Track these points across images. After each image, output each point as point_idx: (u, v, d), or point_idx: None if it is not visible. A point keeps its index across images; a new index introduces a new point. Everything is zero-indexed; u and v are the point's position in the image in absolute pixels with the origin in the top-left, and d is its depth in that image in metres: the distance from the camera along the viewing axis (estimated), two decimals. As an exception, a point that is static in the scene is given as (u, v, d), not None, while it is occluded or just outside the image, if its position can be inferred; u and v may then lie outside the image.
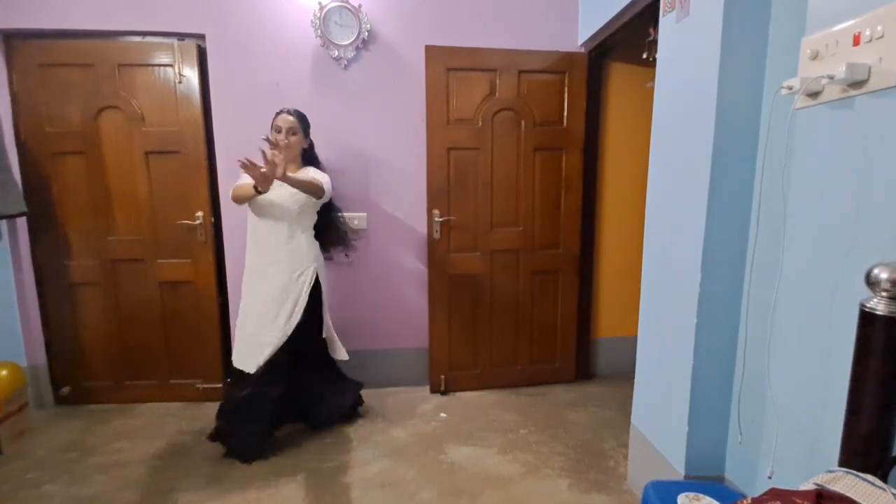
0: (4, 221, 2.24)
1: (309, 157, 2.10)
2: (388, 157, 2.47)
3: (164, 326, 2.45)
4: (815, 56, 1.07)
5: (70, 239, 2.36)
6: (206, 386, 2.48)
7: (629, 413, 1.83)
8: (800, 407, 1.16)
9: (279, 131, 1.96)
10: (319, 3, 2.27)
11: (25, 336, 2.33)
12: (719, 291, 1.39)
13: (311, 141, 2.09)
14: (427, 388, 2.58)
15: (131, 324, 2.44)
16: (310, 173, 1.99)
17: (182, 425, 2.25)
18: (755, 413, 1.33)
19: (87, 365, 2.44)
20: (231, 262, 2.45)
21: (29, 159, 2.28)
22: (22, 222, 2.31)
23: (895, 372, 0.83)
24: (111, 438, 2.12)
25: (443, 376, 2.55)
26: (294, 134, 1.98)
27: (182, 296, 2.44)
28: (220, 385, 2.49)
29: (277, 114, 2.00)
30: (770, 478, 1.24)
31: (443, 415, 2.34)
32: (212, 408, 2.41)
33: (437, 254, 2.48)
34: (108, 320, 2.42)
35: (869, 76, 0.96)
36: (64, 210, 2.34)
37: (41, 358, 2.40)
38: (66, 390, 2.42)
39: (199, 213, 2.37)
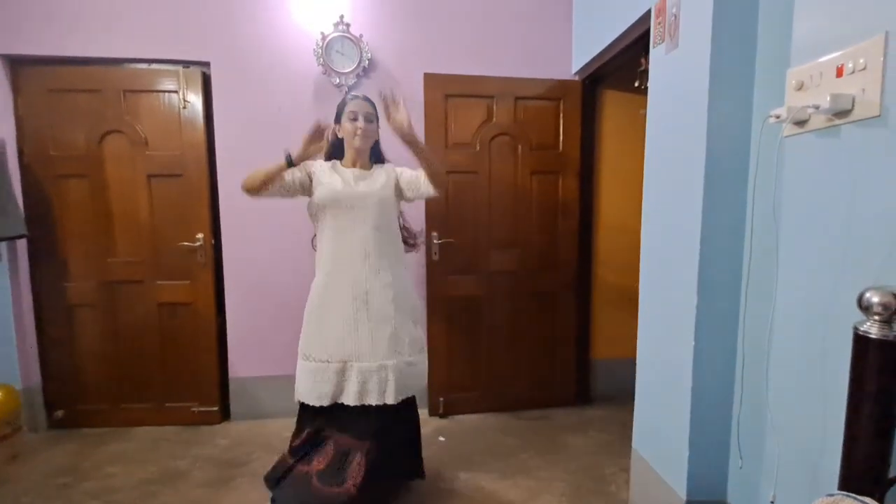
0: (4, 243, 2.24)
1: (377, 153, 1.81)
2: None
3: (161, 348, 2.44)
4: (800, 87, 1.12)
5: (70, 261, 2.37)
6: (201, 409, 2.45)
7: (630, 436, 1.81)
8: (799, 429, 1.16)
9: (354, 118, 1.66)
10: (322, 33, 2.34)
11: (21, 358, 2.31)
12: (716, 314, 1.41)
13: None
14: (426, 410, 2.55)
15: (128, 346, 2.42)
16: (406, 170, 1.71)
17: (176, 449, 2.21)
18: (756, 436, 1.33)
19: (81, 388, 2.41)
20: (230, 283, 2.45)
21: (32, 182, 2.31)
22: (22, 244, 2.32)
23: (891, 394, 0.84)
24: (104, 463, 2.09)
25: (442, 399, 2.53)
26: (371, 122, 1.68)
27: (180, 317, 2.43)
28: (215, 408, 2.46)
29: (350, 99, 1.71)
30: (773, 502, 1.23)
31: (441, 438, 2.31)
32: (207, 431, 2.39)
33: (435, 275, 2.50)
34: (105, 342, 2.41)
35: (853, 106, 1.00)
36: (65, 232, 2.35)
37: (36, 380, 2.37)
38: (59, 414, 2.39)
39: (200, 235, 2.38)
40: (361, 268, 1.65)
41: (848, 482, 0.88)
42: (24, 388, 2.30)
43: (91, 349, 2.41)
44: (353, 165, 1.74)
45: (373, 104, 1.72)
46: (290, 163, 1.61)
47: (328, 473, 1.60)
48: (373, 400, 1.62)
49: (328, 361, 1.64)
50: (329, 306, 1.67)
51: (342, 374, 1.64)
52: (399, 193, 1.74)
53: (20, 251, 2.32)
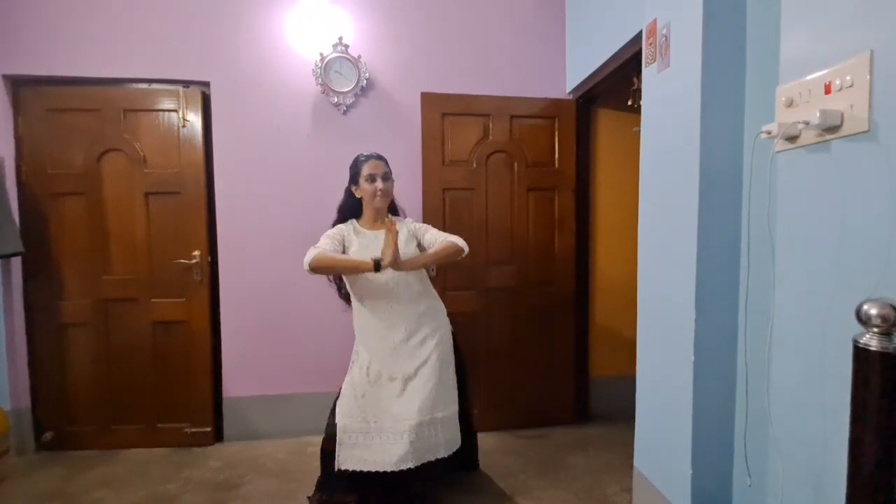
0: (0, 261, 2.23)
1: (391, 205, 1.89)
2: (384, 198, 2.52)
3: (154, 367, 2.40)
4: (790, 103, 1.14)
5: (64, 279, 2.35)
6: (194, 430, 2.40)
7: (631, 455, 1.78)
8: (804, 445, 1.14)
9: (372, 180, 1.74)
10: (321, 54, 2.39)
11: (11, 378, 2.26)
12: (715, 329, 1.40)
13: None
14: (423, 430, 2.50)
15: (120, 365, 2.38)
16: (430, 231, 1.80)
17: (167, 472, 2.15)
18: (759, 452, 1.31)
19: (72, 409, 2.36)
20: (226, 301, 2.44)
21: (29, 200, 2.31)
22: (16, 262, 2.30)
23: (894, 407, 0.83)
24: (92, 487, 2.03)
25: (439, 418, 2.49)
26: (387, 180, 1.77)
27: (175, 336, 2.40)
28: (208, 429, 2.41)
29: (363, 160, 1.77)
30: (778, 522, 1.20)
31: (439, 459, 2.26)
32: (199, 453, 2.34)
33: (433, 292, 2.48)
34: (97, 362, 2.37)
35: (842, 122, 1.01)
36: (60, 250, 2.34)
37: (25, 401, 2.32)
38: (48, 436, 2.33)
39: (196, 252, 2.38)
40: (402, 331, 1.69)
41: (854, 500, 0.87)
42: (12, 410, 2.24)
43: (83, 369, 2.37)
44: (374, 222, 1.80)
45: (385, 161, 1.80)
46: (378, 268, 1.59)
47: None
48: (430, 456, 1.64)
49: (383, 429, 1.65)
50: (379, 377, 1.69)
51: (394, 436, 1.64)
52: (420, 247, 1.81)
53: (14, 269, 2.30)
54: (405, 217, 1.97)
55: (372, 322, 1.73)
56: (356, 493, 1.65)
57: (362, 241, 1.76)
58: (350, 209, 1.85)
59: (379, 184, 1.73)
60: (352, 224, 1.84)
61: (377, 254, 1.67)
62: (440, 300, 1.88)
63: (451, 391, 1.74)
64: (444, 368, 1.74)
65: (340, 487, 1.66)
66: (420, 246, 1.81)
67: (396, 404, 1.66)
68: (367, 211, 1.81)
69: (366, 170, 1.75)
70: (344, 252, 1.73)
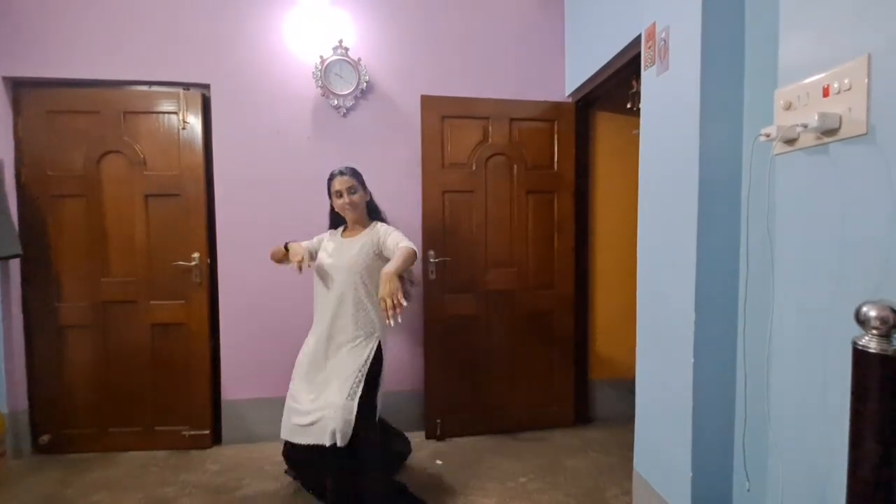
0: (-2, 263, 2.23)
1: (371, 209, 2.02)
2: (384, 200, 2.51)
3: (152, 370, 2.39)
4: (788, 106, 1.14)
5: (63, 281, 2.34)
6: (192, 433, 2.39)
7: (631, 458, 1.78)
8: (804, 449, 1.15)
9: (340, 196, 1.90)
10: (321, 57, 2.39)
11: (9, 380, 2.25)
12: (715, 331, 1.40)
13: (369, 192, 2.01)
14: (423, 433, 2.50)
15: (119, 368, 2.38)
16: (390, 236, 1.86)
17: (165, 475, 2.14)
18: (760, 456, 1.31)
19: (69, 411, 2.35)
20: (225, 303, 2.43)
21: (28, 202, 2.30)
22: (15, 264, 2.30)
23: (894, 409, 0.83)
24: (89, 490, 2.02)
25: (439, 420, 2.48)
26: (354, 192, 1.91)
27: (173, 338, 2.40)
28: (207, 432, 2.40)
29: (331, 178, 1.94)
30: (778, 525, 1.20)
31: (439, 462, 2.25)
32: (197, 456, 2.33)
33: (432, 294, 2.48)
34: (95, 364, 2.36)
35: (840, 125, 1.02)
36: (59, 252, 2.33)
37: (22, 404, 2.31)
38: (45, 439, 2.32)
39: (196, 255, 2.37)
40: (325, 331, 1.86)
41: (854, 502, 0.86)
42: (9, 412, 2.23)
43: (81, 371, 2.36)
44: (352, 230, 1.99)
45: (354, 174, 1.94)
46: (286, 247, 1.90)
47: None
48: (325, 440, 1.73)
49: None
50: (304, 359, 1.94)
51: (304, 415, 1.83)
52: (380, 254, 1.90)
53: (13, 271, 2.30)
54: (386, 222, 2.02)
55: (318, 304, 1.93)
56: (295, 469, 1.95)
57: (332, 246, 1.95)
58: (334, 218, 2.04)
59: (345, 198, 1.90)
60: (335, 232, 2.03)
61: (338, 258, 1.88)
62: (377, 322, 1.87)
63: (348, 385, 1.78)
64: (351, 363, 1.82)
65: (292, 457, 1.94)
66: (381, 254, 1.88)
67: (315, 384, 1.86)
68: (346, 220, 1.99)
69: (334, 186, 1.92)
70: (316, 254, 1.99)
